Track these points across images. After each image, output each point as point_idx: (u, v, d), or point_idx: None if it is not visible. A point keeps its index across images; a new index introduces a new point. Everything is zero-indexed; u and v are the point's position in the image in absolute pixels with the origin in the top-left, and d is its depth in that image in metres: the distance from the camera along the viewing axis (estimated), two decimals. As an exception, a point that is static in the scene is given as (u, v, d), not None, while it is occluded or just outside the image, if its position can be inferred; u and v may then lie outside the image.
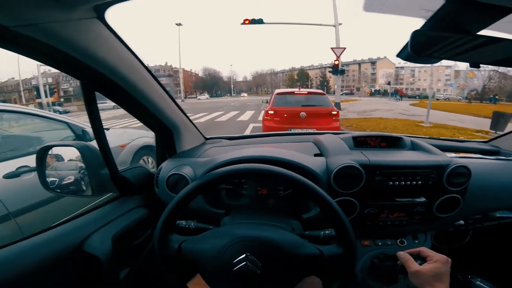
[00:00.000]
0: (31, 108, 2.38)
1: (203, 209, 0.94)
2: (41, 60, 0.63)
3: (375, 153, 0.98)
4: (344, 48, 11.72)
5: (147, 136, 3.37)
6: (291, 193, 0.96)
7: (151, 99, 0.89)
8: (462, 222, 1.07)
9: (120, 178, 0.93)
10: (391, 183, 0.90)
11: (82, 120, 2.60)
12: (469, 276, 1.15)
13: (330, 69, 12.75)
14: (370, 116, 13.35)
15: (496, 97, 31.89)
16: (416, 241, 1.00)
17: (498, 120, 9.23)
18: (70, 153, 1.02)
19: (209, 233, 0.68)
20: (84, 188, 1.00)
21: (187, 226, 0.81)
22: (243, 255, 0.59)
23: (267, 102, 6.10)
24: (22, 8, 0.47)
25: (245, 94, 78.13)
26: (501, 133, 1.48)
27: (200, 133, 1.31)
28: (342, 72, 12.52)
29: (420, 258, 0.68)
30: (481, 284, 1.11)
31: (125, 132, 3.49)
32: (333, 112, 5.15)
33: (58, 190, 1.00)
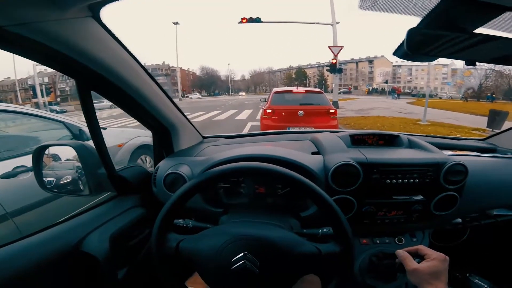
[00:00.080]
0: (28, 108, 2.37)
1: (201, 208, 0.94)
2: (36, 59, 0.62)
3: (373, 151, 0.98)
4: (342, 47, 11.73)
5: (145, 135, 3.37)
6: (289, 191, 0.96)
7: (147, 97, 0.89)
8: (459, 220, 1.08)
9: (117, 178, 0.93)
10: (389, 181, 0.90)
11: (79, 120, 2.59)
12: (467, 274, 1.16)
13: (328, 68, 12.76)
14: (368, 114, 13.37)
15: (494, 95, 32.04)
16: (414, 239, 1.01)
17: (494, 118, 9.31)
18: (67, 153, 1.02)
19: (207, 232, 0.68)
20: (81, 187, 0.99)
21: (185, 225, 0.81)
22: (241, 254, 0.59)
23: (265, 101, 6.11)
24: (15, 7, 0.46)
25: (243, 93, 78.05)
26: (498, 131, 1.49)
27: (198, 132, 1.30)
28: (340, 70, 12.56)
29: (418, 256, 0.68)
30: (479, 282, 1.12)
31: (123, 131, 3.49)
32: (331, 111, 5.17)
33: (55, 190, 1.00)
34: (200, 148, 1.19)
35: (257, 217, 0.83)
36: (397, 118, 11.70)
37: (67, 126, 2.50)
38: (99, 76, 0.72)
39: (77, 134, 2.51)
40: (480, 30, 0.50)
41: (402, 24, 0.51)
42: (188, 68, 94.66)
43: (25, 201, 1.84)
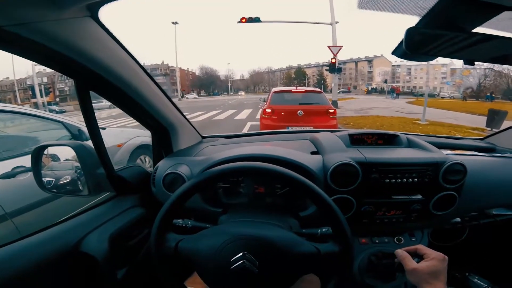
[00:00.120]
0: (27, 108, 2.37)
1: (200, 208, 0.94)
2: (35, 59, 0.62)
3: (372, 150, 0.98)
4: (341, 47, 11.74)
5: (144, 135, 3.36)
6: (288, 191, 0.96)
7: (146, 97, 0.88)
8: (458, 219, 1.08)
9: (116, 178, 0.93)
10: (388, 180, 0.90)
11: (78, 120, 2.59)
12: (467, 274, 1.16)
13: (327, 68, 12.77)
14: (367, 114, 13.38)
15: (493, 95, 32.04)
16: (413, 239, 1.01)
17: (493, 117, 9.32)
18: (66, 153, 1.02)
19: (206, 231, 0.68)
20: (80, 187, 0.99)
21: (184, 225, 0.81)
22: (240, 254, 0.59)
23: (265, 101, 6.11)
24: (13, 7, 0.46)
25: (243, 93, 78.02)
26: (497, 130, 1.49)
27: (197, 131, 1.30)
28: (339, 70, 12.56)
29: (417, 256, 0.68)
30: (479, 281, 1.12)
31: (122, 131, 3.48)
32: (330, 110, 5.17)
33: (54, 190, 0.99)
34: (199, 148, 1.19)
35: (256, 217, 0.83)
36: (396, 118, 11.71)
37: (66, 126, 2.49)
38: (98, 76, 0.71)
39: (76, 134, 2.51)
40: (478, 30, 0.51)
41: (402, 23, 0.51)
42: (188, 68, 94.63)
43: (24, 201, 1.84)
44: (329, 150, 0.98)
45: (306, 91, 5.72)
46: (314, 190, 0.63)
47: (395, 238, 1.01)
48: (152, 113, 0.97)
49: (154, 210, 0.75)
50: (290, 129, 4.36)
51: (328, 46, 11.62)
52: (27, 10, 0.48)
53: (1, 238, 1.50)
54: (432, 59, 0.62)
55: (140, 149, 3.31)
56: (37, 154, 0.93)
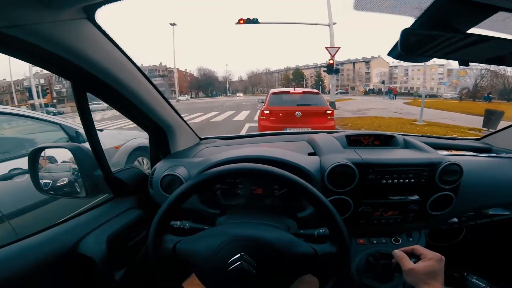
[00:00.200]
0: (23, 110, 2.36)
1: (198, 209, 0.94)
2: (31, 61, 0.62)
3: (368, 151, 0.99)
4: (339, 48, 11.79)
5: (142, 137, 3.35)
6: (286, 192, 0.96)
7: (143, 99, 0.88)
8: (455, 219, 1.08)
9: (113, 179, 0.93)
10: (384, 181, 0.91)
11: (76, 122, 2.58)
12: (465, 274, 1.16)
13: (325, 69, 12.81)
14: (365, 115, 13.43)
15: (490, 95, 32.19)
16: (411, 239, 1.01)
17: (490, 117, 9.36)
18: (63, 155, 1.01)
19: (203, 233, 0.68)
20: (77, 189, 0.99)
21: (182, 226, 0.81)
22: (238, 255, 0.59)
23: (263, 102, 6.11)
24: (9, 8, 0.46)
25: (241, 94, 78.11)
26: (493, 130, 1.50)
27: (195, 133, 1.30)
28: (337, 71, 12.59)
29: (414, 256, 0.68)
30: (477, 281, 1.12)
31: (120, 133, 3.46)
32: (328, 111, 5.18)
33: (52, 192, 0.99)
34: (197, 149, 1.19)
35: (254, 218, 0.83)
36: (394, 119, 11.75)
37: (63, 128, 2.48)
38: (94, 78, 0.71)
39: (73, 136, 2.50)
40: (473, 31, 0.51)
41: (399, 24, 0.51)
42: (186, 69, 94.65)
43: (22, 203, 1.83)
44: (326, 151, 0.99)
45: (304, 92, 5.73)
46: (311, 191, 0.63)
47: (393, 239, 1.01)
48: (150, 114, 0.97)
49: (152, 211, 0.75)
50: (288, 131, 4.37)
51: (326, 47, 11.67)
52: (23, 12, 0.48)
53: (-2, 240, 1.49)
54: (427, 60, 0.62)
55: (137, 151, 3.30)
56: (34, 156, 0.93)
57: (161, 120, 1.03)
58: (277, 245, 0.62)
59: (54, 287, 0.72)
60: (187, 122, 1.22)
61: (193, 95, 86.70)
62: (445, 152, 1.17)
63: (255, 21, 12.83)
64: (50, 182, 0.98)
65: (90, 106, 0.80)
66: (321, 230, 0.77)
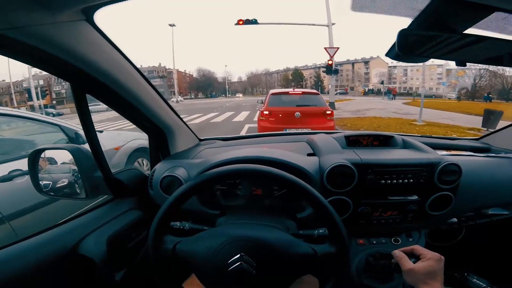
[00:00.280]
0: (23, 111, 2.35)
1: (197, 210, 0.94)
2: (30, 63, 0.62)
3: (367, 152, 0.99)
4: (338, 48, 11.79)
5: (141, 138, 3.35)
6: (285, 193, 0.97)
7: (142, 100, 0.89)
8: (455, 219, 1.08)
9: (113, 180, 0.93)
10: (383, 181, 0.91)
11: (75, 123, 2.58)
12: (465, 274, 1.17)
13: (324, 69, 12.82)
14: (364, 115, 13.44)
15: (490, 95, 32.20)
16: (410, 239, 1.02)
17: (489, 117, 9.36)
18: (63, 156, 1.01)
19: (203, 233, 0.68)
20: (77, 190, 0.99)
21: (181, 227, 0.81)
22: (238, 255, 0.60)
23: (262, 103, 6.12)
24: (8, 10, 0.46)
25: (240, 95, 78.11)
26: (493, 130, 1.51)
27: (194, 134, 1.31)
28: (336, 71, 12.60)
29: (414, 256, 0.68)
30: (477, 281, 1.13)
31: (119, 134, 3.47)
32: (328, 112, 5.19)
33: (52, 193, 0.99)
34: (196, 150, 1.19)
35: (254, 219, 0.83)
36: (393, 119, 11.76)
37: (63, 129, 2.48)
38: (94, 79, 0.72)
39: (73, 138, 2.50)
40: (470, 31, 0.51)
41: (398, 24, 0.52)
42: (185, 70, 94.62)
43: (22, 204, 1.83)
44: (325, 152, 0.99)
45: (303, 92, 5.74)
46: (310, 192, 0.63)
47: (392, 239, 1.01)
48: (149, 116, 0.97)
49: (152, 212, 0.75)
50: (287, 131, 4.37)
51: (325, 48, 11.67)
52: (22, 14, 0.48)
53: (-2, 241, 1.49)
54: (424, 61, 0.63)
55: (137, 152, 3.29)
56: (34, 157, 0.93)
57: (161, 121, 1.03)
58: (277, 246, 0.62)
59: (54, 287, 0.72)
60: (187, 123, 1.22)
61: (192, 96, 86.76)
62: (444, 152, 1.18)
63: (254, 21, 12.84)
64: (50, 183, 0.98)
65: (89, 107, 0.81)
66: (320, 231, 0.77)
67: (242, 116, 13.96)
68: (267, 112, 5.27)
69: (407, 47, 0.51)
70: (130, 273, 0.88)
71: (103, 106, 0.96)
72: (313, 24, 15.45)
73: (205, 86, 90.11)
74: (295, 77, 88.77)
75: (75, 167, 0.93)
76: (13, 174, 1.87)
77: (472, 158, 1.15)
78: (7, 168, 1.87)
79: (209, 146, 1.28)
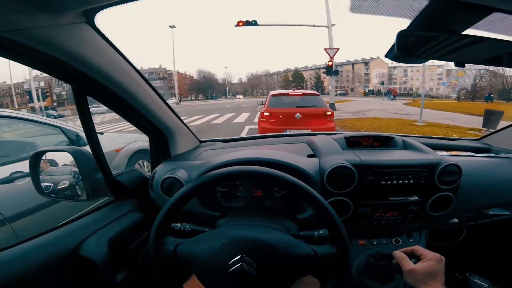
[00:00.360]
0: (24, 113, 2.36)
1: (198, 212, 0.94)
2: (31, 65, 0.62)
3: (367, 153, 0.99)
4: (338, 49, 11.80)
5: (142, 140, 3.35)
6: (286, 194, 0.97)
7: (143, 102, 0.89)
8: (456, 220, 1.09)
9: (114, 182, 0.93)
10: (384, 182, 0.91)
11: (76, 125, 2.58)
12: (467, 274, 1.16)
13: (324, 70, 12.83)
14: (365, 116, 13.44)
15: (491, 95, 32.17)
16: (411, 240, 1.02)
17: (489, 117, 9.35)
18: (64, 158, 1.02)
19: (204, 235, 0.68)
20: (78, 192, 1.00)
21: (182, 228, 0.81)
22: (238, 256, 0.60)
23: (263, 104, 6.13)
24: (9, 13, 0.46)
25: (241, 96, 78.20)
26: (493, 130, 1.51)
27: (195, 136, 1.31)
28: (336, 72, 12.61)
29: (415, 257, 0.69)
30: (479, 281, 1.12)
31: (120, 136, 3.47)
32: (328, 113, 5.20)
33: (53, 195, 1.00)
34: (197, 152, 1.19)
35: (254, 220, 0.83)
36: (393, 119, 11.76)
37: (63, 131, 2.49)
38: (95, 81, 0.72)
39: (74, 140, 2.50)
40: (469, 32, 0.52)
41: (397, 25, 0.52)
42: (185, 72, 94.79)
43: (23, 206, 1.83)
44: (325, 153, 0.99)
45: (303, 94, 5.75)
46: (310, 193, 0.64)
47: (393, 240, 1.01)
48: (150, 118, 0.97)
49: (153, 214, 0.76)
50: (287, 132, 4.37)
51: (325, 49, 11.69)
52: (23, 16, 0.48)
53: (0, 242, 1.49)
54: (424, 62, 0.63)
55: (138, 154, 3.30)
56: (35, 159, 0.94)
57: (161, 123, 1.03)
58: (277, 247, 0.62)
59: None
60: (187, 125, 1.23)
61: (192, 97, 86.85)
62: (444, 153, 1.18)
63: (254, 23, 12.87)
64: (51, 185, 0.98)
65: (90, 109, 0.81)
66: (321, 232, 0.78)
67: (242, 117, 13.96)
68: (267, 114, 5.27)
69: (406, 48, 0.51)
70: (131, 274, 0.88)
71: (103, 107, 0.97)
72: (313, 25, 15.49)
73: (206, 87, 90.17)
74: (295, 78, 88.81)
75: (76, 169, 0.93)
76: (14, 176, 1.87)
77: (472, 159, 1.15)
78: (8, 170, 1.88)
79: (209, 147, 1.28)
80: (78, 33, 0.60)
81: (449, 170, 0.91)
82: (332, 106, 12.37)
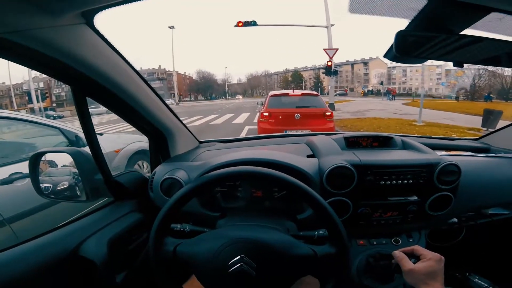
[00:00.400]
0: (23, 114, 2.36)
1: (198, 212, 0.94)
2: (30, 66, 0.62)
3: (366, 153, 0.99)
4: (337, 49, 11.81)
5: (142, 141, 3.35)
6: (285, 194, 0.97)
7: (142, 103, 0.89)
8: (455, 220, 1.09)
9: (114, 183, 0.93)
10: (383, 182, 0.91)
11: (75, 126, 2.58)
12: (467, 274, 1.16)
13: (324, 70, 12.84)
14: (364, 116, 13.44)
15: (491, 95, 32.17)
16: (411, 240, 1.02)
17: (488, 117, 9.36)
18: (63, 159, 1.02)
19: (204, 235, 0.69)
20: (78, 193, 1.00)
21: (182, 229, 0.81)
22: (238, 257, 0.60)
23: (262, 104, 6.13)
24: (9, 14, 0.47)
25: (240, 97, 78.22)
26: (493, 130, 1.51)
27: (194, 136, 1.31)
28: (335, 73, 12.63)
29: (414, 257, 0.69)
30: (479, 281, 1.12)
31: (119, 137, 3.47)
32: (327, 113, 5.20)
33: (52, 196, 1.00)
34: (196, 153, 1.20)
35: (254, 220, 0.83)
36: (393, 119, 11.76)
37: (63, 132, 2.49)
38: (94, 82, 0.72)
39: (73, 140, 2.50)
40: (467, 32, 0.52)
41: (396, 25, 0.52)
42: (185, 72, 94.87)
43: (22, 207, 1.84)
44: (325, 153, 0.99)
45: (303, 94, 5.76)
46: (309, 193, 0.64)
47: (393, 239, 1.01)
48: (149, 118, 0.97)
49: (152, 215, 0.76)
50: (287, 133, 4.37)
51: (324, 49, 11.70)
52: (22, 17, 0.48)
53: (0, 243, 1.49)
54: (422, 62, 0.63)
55: (137, 155, 3.30)
56: (35, 160, 0.94)
57: (160, 124, 1.03)
58: (277, 247, 0.62)
59: None
60: (187, 126, 1.23)
61: (192, 98, 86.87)
62: (443, 153, 1.18)
63: (253, 23, 12.88)
64: (50, 186, 0.98)
65: (89, 110, 0.81)
66: (320, 232, 0.78)
67: (242, 118, 13.95)
68: (267, 114, 5.27)
69: (405, 49, 0.51)
70: (131, 275, 0.88)
71: (103, 108, 0.97)
72: (312, 26, 15.50)
73: (205, 88, 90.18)
74: (295, 78, 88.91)
75: (76, 170, 0.93)
76: (13, 177, 1.87)
77: (472, 158, 1.15)
78: (8, 171, 1.88)
79: (209, 148, 1.28)
80: (77, 34, 0.61)
81: (448, 170, 0.91)
82: (331, 106, 12.39)
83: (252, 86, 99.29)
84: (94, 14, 0.60)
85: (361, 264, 0.95)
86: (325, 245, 0.65)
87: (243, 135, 8.38)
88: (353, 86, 77.11)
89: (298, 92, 5.76)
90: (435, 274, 0.63)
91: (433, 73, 61.99)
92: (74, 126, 2.62)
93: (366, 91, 68.72)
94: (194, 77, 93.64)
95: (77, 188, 1.00)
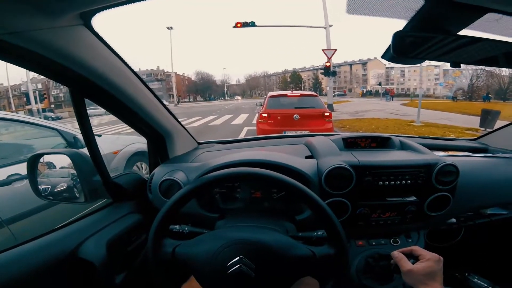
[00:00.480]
0: (21, 115, 2.35)
1: (197, 214, 0.94)
2: (29, 67, 0.62)
3: (365, 153, 0.99)
4: (335, 50, 11.82)
5: (140, 142, 3.35)
6: (284, 195, 0.97)
7: (141, 104, 0.89)
8: (454, 220, 1.09)
9: (112, 184, 0.93)
10: (381, 183, 0.91)
11: (74, 127, 2.58)
12: (466, 274, 1.17)
13: (322, 71, 12.85)
14: (363, 116, 13.46)
15: (489, 95, 32.26)
16: (410, 240, 1.02)
17: (486, 117, 9.38)
18: (62, 161, 1.02)
19: (202, 236, 0.68)
20: (76, 195, 1.00)
21: (181, 230, 0.81)
22: (237, 258, 0.60)
23: (261, 105, 6.13)
24: (6, 15, 0.46)
25: (239, 97, 78.19)
26: (490, 130, 1.51)
27: (193, 137, 1.31)
28: (334, 73, 12.65)
29: (413, 257, 0.69)
30: (478, 281, 1.12)
31: (118, 138, 3.47)
32: (326, 114, 5.20)
33: (51, 197, 1.00)
34: (195, 154, 1.19)
35: (253, 221, 0.83)
36: (391, 120, 11.79)
37: (61, 133, 2.48)
38: (92, 84, 0.72)
39: (71, 142, 2.50)
40: (464, 32, 0.52)
41: (395, 26, 0.52)
42: (183, 73, 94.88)
43: (20, 208, 1.83)
44: (323, 154, 0.99)
45: (301, 95, 5.75)
46: (308, 194, 0.64)
47: (392, 240, 1.01)
48: (147, 120, 0.97)
49: (151, 216, 0.75)
50: (286, 134, 4.37)
51: (323, 50, 11.71)
52: (21, 18, 0.48)
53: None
54: (420, 62, 0.63)
55: (136, 156, 3.29)
56: (33, 162, 0.93)
57: (159, 125, 1.03)
58: (276, 248, 0.62)
59: None
60: (185, 127, 1.22)
61: (191, 99, 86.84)
62: (441, 153, 1.18)
63: (252, 24, 12.92)
64: (49, 188, 0.98)
65: (87, 111, 0.81)
66: (319, 233, 0.78)
67: (241, 118, 13.94)
68: (265, 115, 5.27)
69: (402, 49, 0.52)
70: (130, 276, 0.88)
71: (101, 110, 0.97)
72: (311, 26, 15.52)
73: (204, 89, 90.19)
74: (293, 79, 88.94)
75: (74, 171, 0.93)
76: (12, 179, 1.87)
77: (469, 159, 1.16)
78: (6, 172, 1.87)
79: (207, 149, 1.28)
80: (76, 35, 0.60)
81: (446, 170, 0.91)
82: (330, 107, 12.40)
83: (251, 87, 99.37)
84: (92, 15, 0.60)
85: (360, 265, 0.95)
86: (324, 246, 0.65)
87: (242, 136, 8.37)
88: (352, 87, 77.24)
89: (296, 93, 5.76)
90: (434, 275, 0.63)
91: (431, 73, 62.14)
92: (72, 127, 2.61)
93: (364, 92, 68.79)
94: (193, 78, 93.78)
95: (76, 190, 0.99)
